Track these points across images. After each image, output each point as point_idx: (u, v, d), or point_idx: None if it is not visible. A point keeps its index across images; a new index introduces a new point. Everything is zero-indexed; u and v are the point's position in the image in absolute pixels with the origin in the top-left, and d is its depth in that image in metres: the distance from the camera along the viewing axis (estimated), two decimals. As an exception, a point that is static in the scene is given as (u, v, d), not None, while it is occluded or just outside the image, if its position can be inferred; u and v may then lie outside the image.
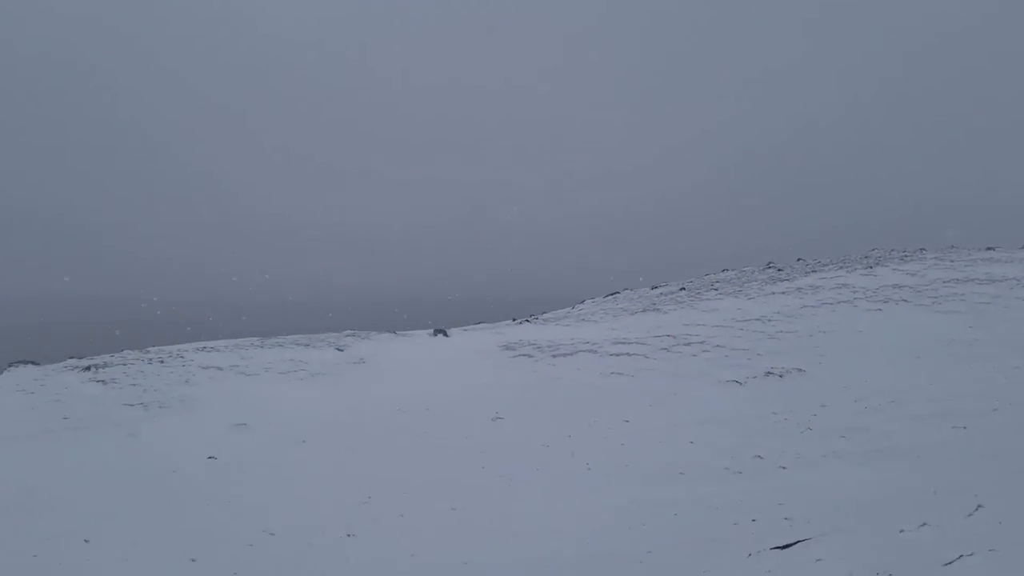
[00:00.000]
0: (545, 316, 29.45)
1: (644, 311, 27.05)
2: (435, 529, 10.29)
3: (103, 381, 18.03)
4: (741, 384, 18.58)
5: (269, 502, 11.60)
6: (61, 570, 9.12)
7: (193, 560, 9.32)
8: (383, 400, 17.87)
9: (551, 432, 15.37)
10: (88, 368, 19.00)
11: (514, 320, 29.00)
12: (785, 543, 7.74)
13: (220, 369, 19.41)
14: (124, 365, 19.28)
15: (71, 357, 20.76)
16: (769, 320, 23.93)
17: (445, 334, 24.50)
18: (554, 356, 21.57)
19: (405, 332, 25.12)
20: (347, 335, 23.96)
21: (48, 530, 10.37)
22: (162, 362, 19.55)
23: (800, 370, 19.09)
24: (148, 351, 21.26)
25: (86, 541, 9.89)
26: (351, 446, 14.85)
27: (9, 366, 20.21)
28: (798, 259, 33.56)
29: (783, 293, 26.97)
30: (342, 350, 21.81)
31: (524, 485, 12.23)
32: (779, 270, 31.76)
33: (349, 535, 10.04)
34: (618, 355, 21.31)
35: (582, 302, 32.62)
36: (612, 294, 33.41)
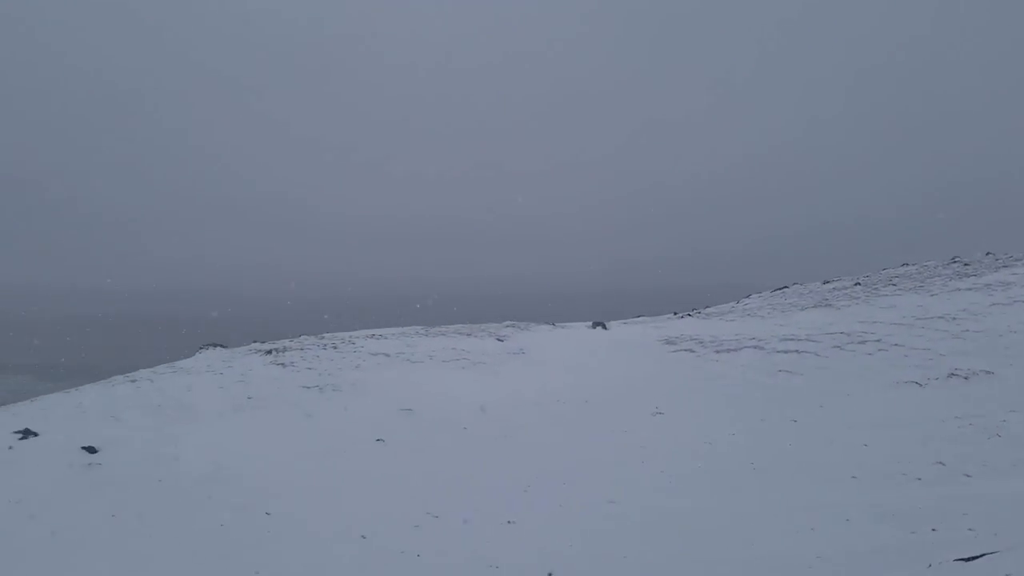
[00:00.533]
0: (708, 310, 28.73)
1: (815, 307, 25.82)
2: (594, 521, 10.25)
3: (283, 364, 19.21)
4: (921, 386, 17.35)
5: (433, 486, 11.96)
6: (245, 539, 9.78)
7: (363, 537, 9.75)
8: (541, 390, 18.03)
9: (713, 429, 14.95)
10: (270, 352, 20.30)
11: (675, 314, 28.49)
12: (969, 555, 7.14)
13: (388, 356, 20.23)
14: (301, 350, 20.47)
15: (255, 341, 22.24)
16: (954, 318, 22.20)
17: (604, 327, 24.40)
18: (717, 352, 21.00)
19: (564, 324, 25.24)
20: (507, 326, 24.35)
21: (235, 501, 11.17)
22: (335, 347, 20.61)
23: (988, 372, 17.60)
24: (323, 337, 22.45)
25: (267, 514, 10.56)
26: (509, 435, 15.06)
27: (201, 348, 21.92)
28: (987, 253, 30.96)
29: (969, 289, 24.95)
30: (502, 340, 22.18)
31: (685, 482, 11.95)
32: (965, 265, 29.42)
33: (509, 522, 10.17)
34: (786, 352, 20.45)
35: (747, 296, 31.59)
36: (780, 289, 32.14)
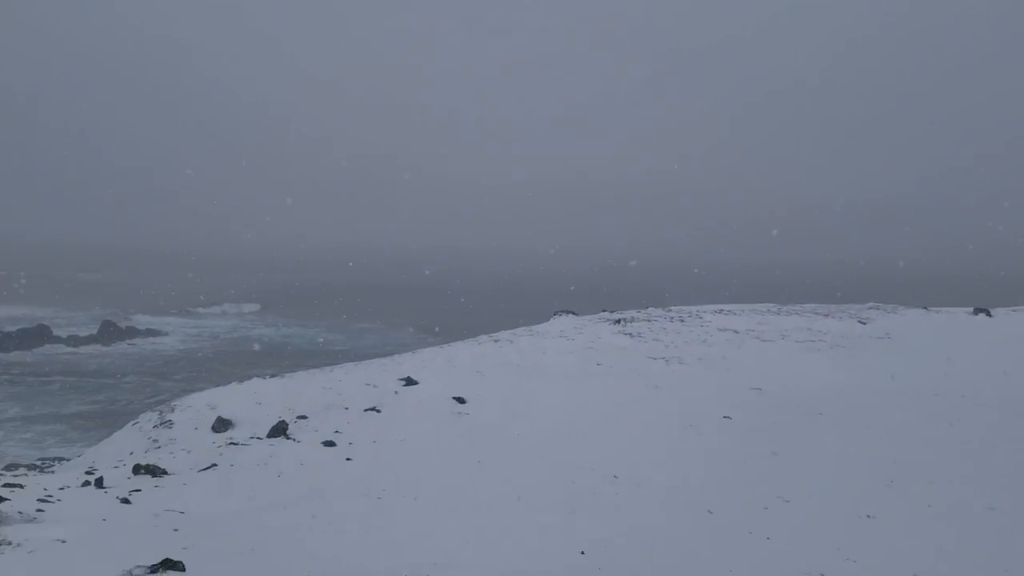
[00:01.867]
0: None
1: None
2: (977, 524, 9.08)
3: (630, 334, 19.62)
4: None
5: (780, 468, 11.44)
6: (594, 497, 10.16)
7: (709, 512, 9.63)
8: (909, 380, 16.37)
9: None
10: (618, 321, 20.85)
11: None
12: None
13: (736, 332, 19.73)
14: (648, 321, 20.73)
15: (603, 310, 22.98)
16: None
17: (988, 313, 21.52)
18: None
19: (939, 309, 22.69)
20: (870, 307, 22.49)
21: (584, 461, 11.67)
22: (682, 321, 20.58)
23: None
24: (670, 310, 22.54)
25: (615, 477, 10.88)
26: (872, 424, 13.89)
27: (555, 314, 23.16)
28: None
29: None
30: (864, 323, 20.52)
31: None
32: None
33: (869, 516, 9.41)
34: None
35: None
36: None
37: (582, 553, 8.04)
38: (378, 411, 15.90)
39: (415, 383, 17.37)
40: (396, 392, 16.91)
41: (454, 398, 15.89)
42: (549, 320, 22.29)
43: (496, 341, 19.85)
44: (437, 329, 77.38)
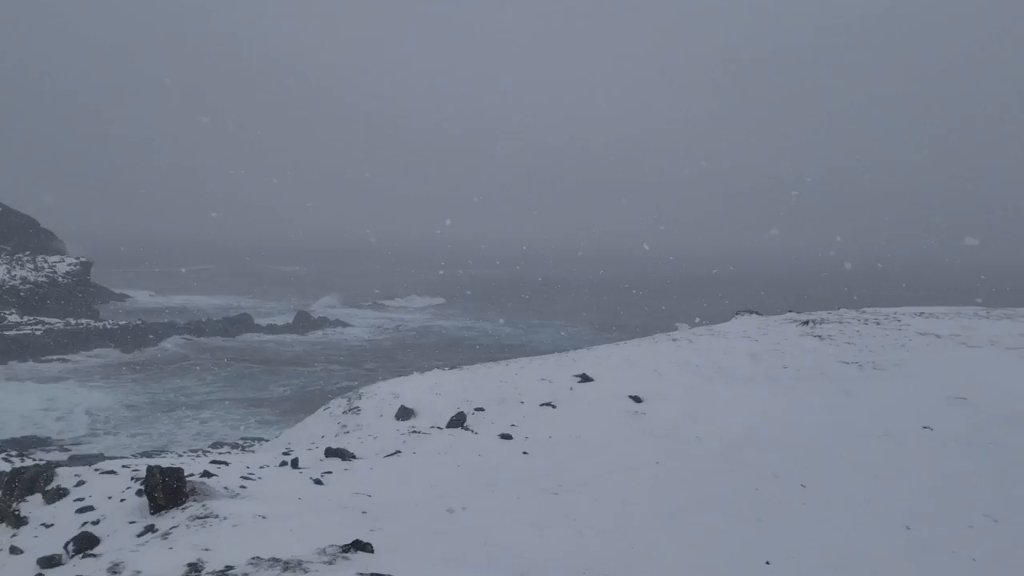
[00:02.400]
0: None
1: None
2: None
3: (819, 336, 18.56)
4: None
5: (998, 486, 10.39)
6: (779, 507, 9.64)
7: (907, 528, 8.89)
8: None
9: None
10: (806, 323, 19.79)
11: None
12: None
13: (938, 337, 18.20)
14: (840, 323, 19.54)
15: (790, 311, 21.92)
16: None
17: None
18: None
19: None
20: (1100, 314, 20.12)
21: (769, 467, 11.11)
22: (878, 323, 19.23)
23: None
24: (864, 311, 21.16)
25: (803, 486, 10.27)
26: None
27: (737, 314, 22.34)
28: None
29: None
30: (1093, 330, 18.36)
31: None
32: None
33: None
34: None
35: None
36: None
37: (767, 563, 7.62)
38: (553, 406, 15.94)
39: (590, 380, 17.28)
40: (571, 388, 16.88)
41: (630, 397, 15.65)
42: (730, 320, 21.52)
43: (674, 340, 19.39)
44: (614, 327, 77.10)
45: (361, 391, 19.53)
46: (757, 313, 22.25)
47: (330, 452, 13.00)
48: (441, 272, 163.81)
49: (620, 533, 8.33)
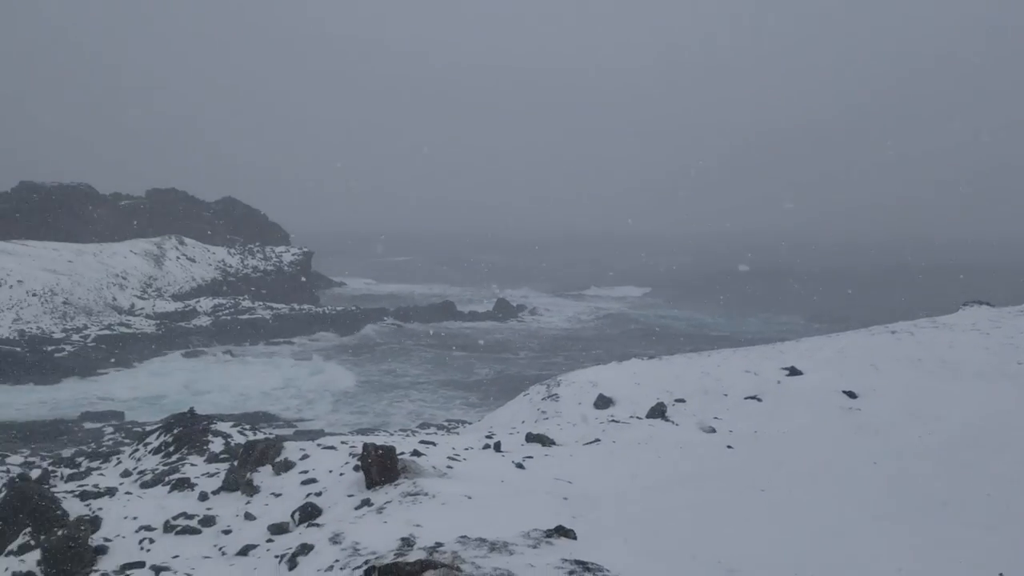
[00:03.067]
0: None
1: None
2: None
3: (1066, 330, 16.65)
4: None
5: None
6: (1012, 513, 8.74)
7: None
8: None
9: None
10: (1049, 314, 17.83)
11: None
12: None
13: None
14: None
15: (1029, 302, 19.82)
16: None
17: None
18: None
19: None
20: None
21: (992, 470, 10.11)
22: None
23: None
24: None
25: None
26: None
27: (964, 305, 20.50)
28: None
29: None
30: None
31: None
32: None
33: None
34: None
35: None
36: None
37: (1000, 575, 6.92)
38: (759, 400, 15.35)
39: (799, 373, 16.47)
40: (779, 381, 16.17)
41: (843, 392, 14.75)
42: (957, 311, 19.76)
43: (893, 332, 18.06)
44: (826, 318, 73.27)
45: (560, 378, 19.74)
46: (988, 304, 20.28)
47: (531, 437, 13.25)
48: (642, 259, 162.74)
49: (833, 535, 7.87)
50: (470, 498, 8.57)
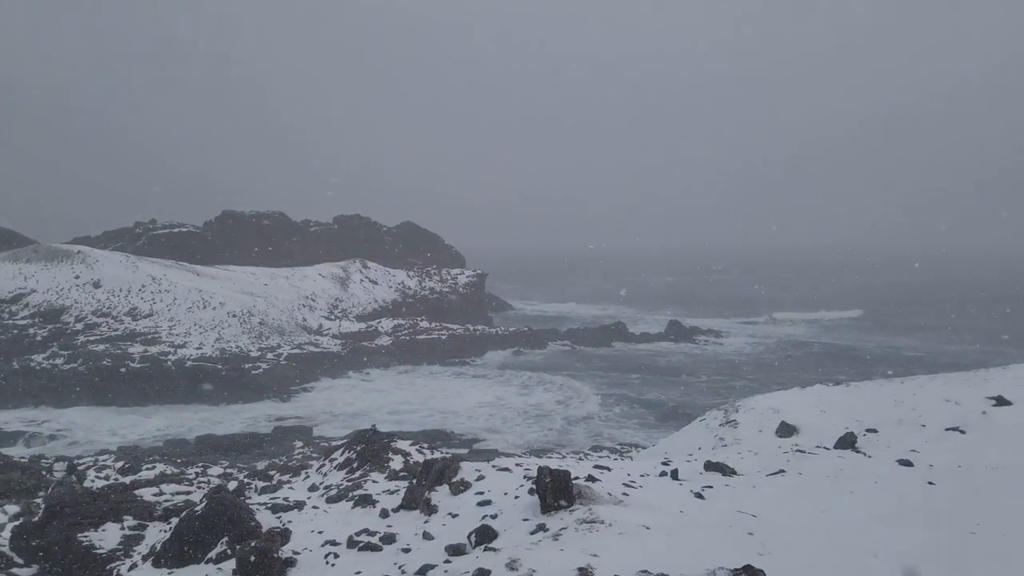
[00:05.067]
0: None
1: None
2: None
3: None
4: None
5: None
6: None
7: None
8: None
9: None
10: None
11: None
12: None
13: None
14: None
15: None
16: None
17: None
18: None
19: None
20: None
21: None
22: None
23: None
24: None
25: None
26: None
27: None
28: None
29: None
30: None
31: None
32: None
33: None
34: None
35: None
36: None
37: None
38: (962, 432, 14.04)
39: (1008, 403, 14.95)
40: (984, 412, 14.75)
41: (1070, 425, 13.22)
42: None
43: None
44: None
45: (738, 404, 18.96)
46: None
47: (709, 466, 12.70)
48: (832, 280, 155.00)
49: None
50: (648, 528, 8.26)
